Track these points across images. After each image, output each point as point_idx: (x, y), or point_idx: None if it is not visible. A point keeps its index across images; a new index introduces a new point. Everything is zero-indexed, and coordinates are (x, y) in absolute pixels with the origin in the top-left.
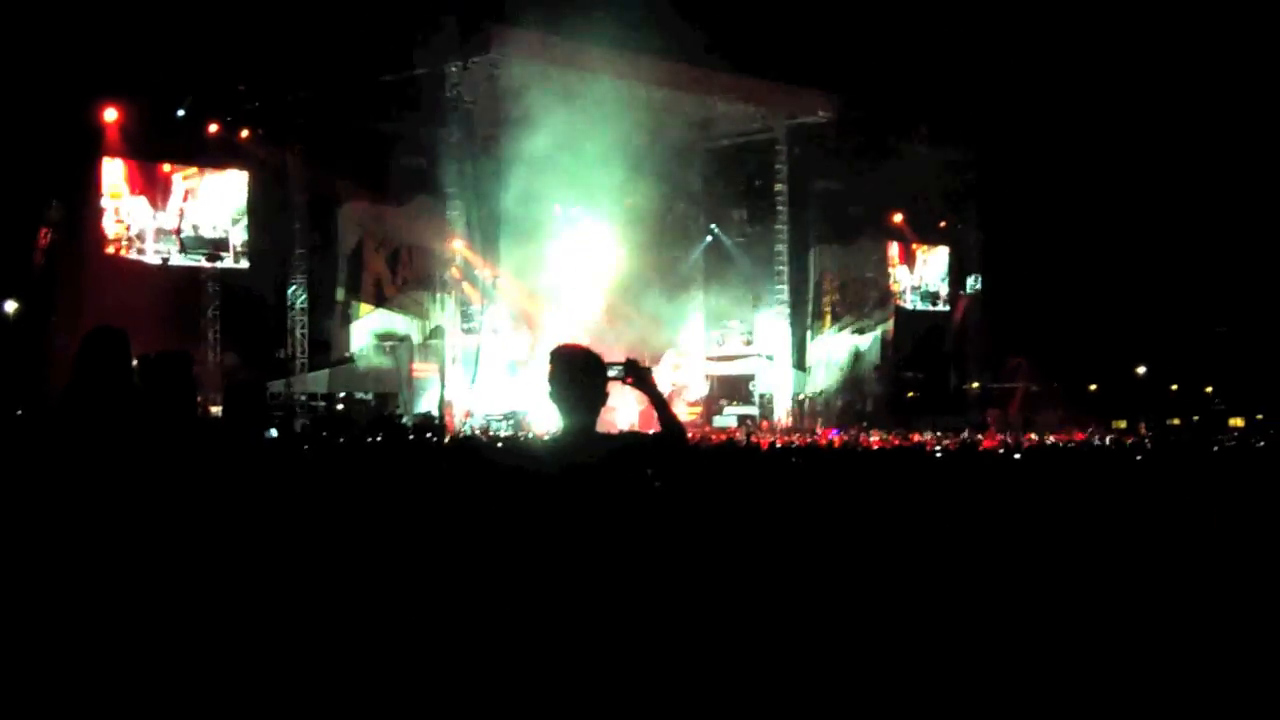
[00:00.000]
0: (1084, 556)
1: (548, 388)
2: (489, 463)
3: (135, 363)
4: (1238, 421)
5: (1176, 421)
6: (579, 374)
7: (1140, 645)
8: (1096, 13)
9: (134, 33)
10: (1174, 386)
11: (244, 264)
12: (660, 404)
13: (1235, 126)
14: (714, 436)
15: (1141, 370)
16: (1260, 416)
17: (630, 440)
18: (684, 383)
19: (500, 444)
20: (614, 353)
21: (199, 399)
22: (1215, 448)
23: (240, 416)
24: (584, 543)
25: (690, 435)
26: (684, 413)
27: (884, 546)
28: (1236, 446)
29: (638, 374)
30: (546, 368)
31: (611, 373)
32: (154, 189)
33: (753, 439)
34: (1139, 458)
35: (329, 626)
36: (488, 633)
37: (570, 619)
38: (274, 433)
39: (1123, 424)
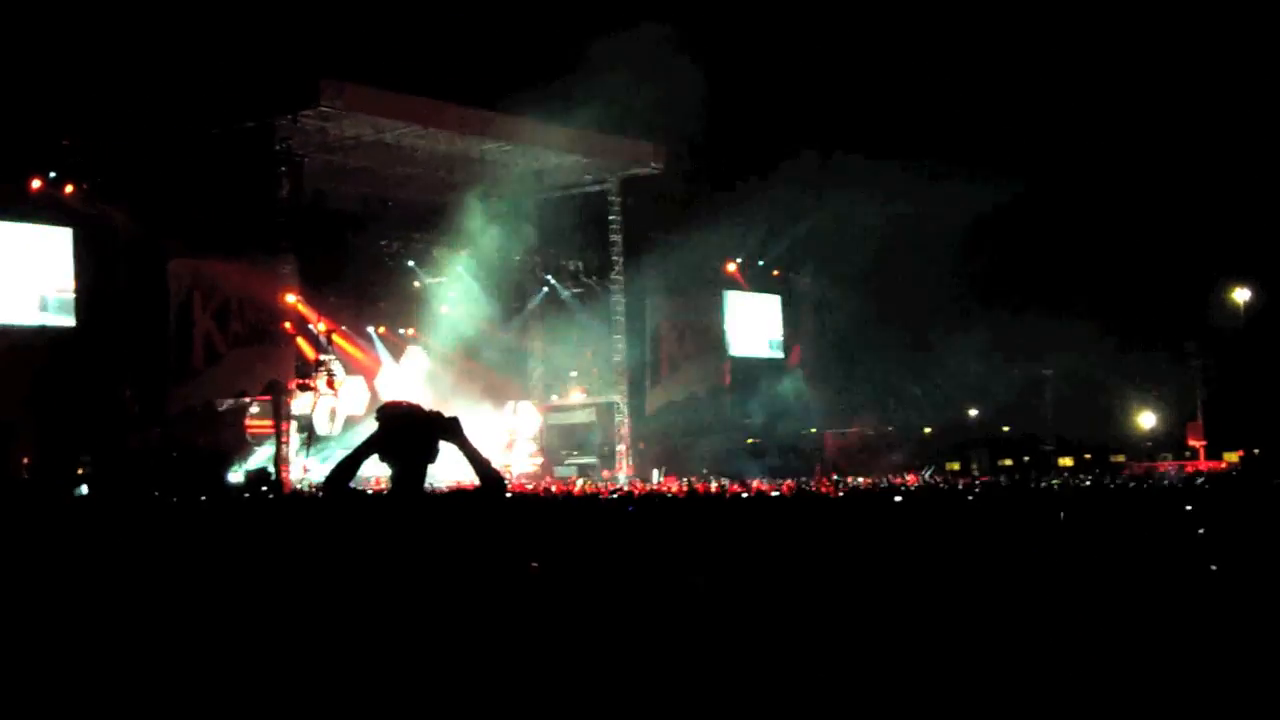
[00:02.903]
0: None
1: (377, 445)
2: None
3: None
4: (1066, 461)
5: (1008, 462)
6: (406, 431)
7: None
8: (930, 52)
9: None
10: (1005, 429)
11: (70, 321)
12: (473, 456)
13: (1056, 172)
14: (555, 487)
15: (973, 413)
16: (1088, 457)
17: (453, 497)
18: (524, 433)
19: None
20: (449, 406)
21: (22, 459)
22: (1040, 486)
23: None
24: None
25: (531, 485)
26: (527, 463)
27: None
28: (1060, 487)
29: (446, 427)
30: (375, 425)
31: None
32: None
33: (589, 488)
34: (970, 497)
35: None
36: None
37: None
38: (84, 489)
39: (956, 466)
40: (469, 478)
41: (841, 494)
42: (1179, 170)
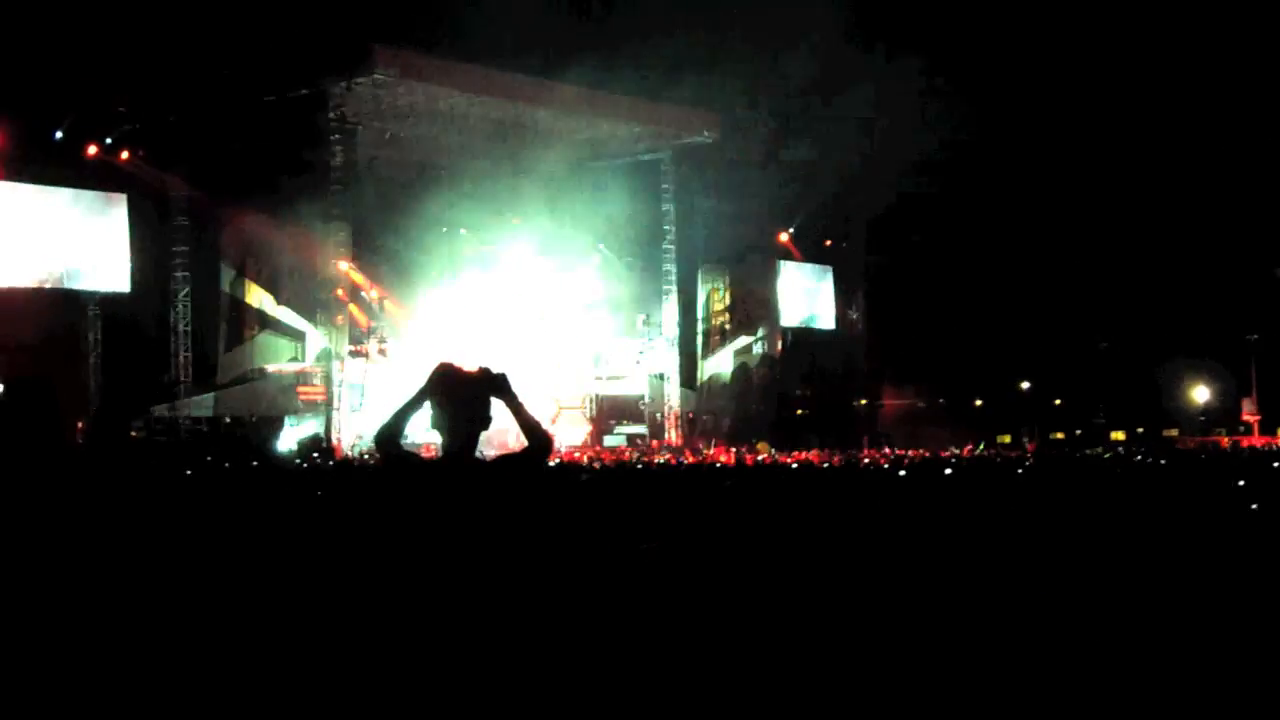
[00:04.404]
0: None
1: (429, 410)
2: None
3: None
4: (1119, 435)
5: (1060, 435)
6: (456, 397)
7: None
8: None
9: (10, 52)
10: (1057, 401)
11: (125, 287)
12: (520, 412)
13: (1111, 147)
14: (604, 456)
15: (1025, 386)
16: (1140, 430)
17: (501, 463)
18: (573, 402)
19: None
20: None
21: (77, 424)
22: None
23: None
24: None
25: (579, 455)
26: (581, 432)
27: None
28: (1113, 459)
29: (495, 383)
30: (427, 388)
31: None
32: (32, 211)
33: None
34: (1020, 470)
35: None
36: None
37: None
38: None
39: (1007, 438)
40: (514, 440)
41: (886, 465)
42: (1237, 146)
